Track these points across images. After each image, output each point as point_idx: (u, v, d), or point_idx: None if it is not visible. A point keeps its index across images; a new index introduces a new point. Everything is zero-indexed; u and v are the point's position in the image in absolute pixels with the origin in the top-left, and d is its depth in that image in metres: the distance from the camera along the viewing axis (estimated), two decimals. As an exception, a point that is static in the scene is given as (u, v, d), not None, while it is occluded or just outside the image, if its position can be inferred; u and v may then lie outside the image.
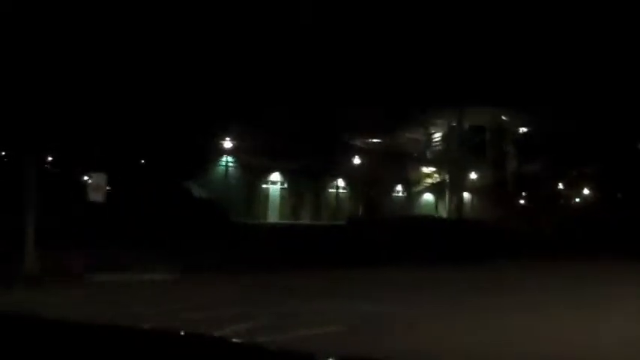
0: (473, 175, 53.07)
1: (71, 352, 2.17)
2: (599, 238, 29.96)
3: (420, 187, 51.84)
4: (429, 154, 51.94)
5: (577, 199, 57.65)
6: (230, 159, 38.17)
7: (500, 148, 52.00)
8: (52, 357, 2.13)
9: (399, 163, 45.57)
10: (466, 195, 54.59)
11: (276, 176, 39.87)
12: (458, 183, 47.74)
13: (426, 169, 51.82)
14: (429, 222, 35.47)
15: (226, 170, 38.47)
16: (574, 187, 54.19)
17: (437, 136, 56.25)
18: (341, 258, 17.66)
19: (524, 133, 56.53)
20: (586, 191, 56.95)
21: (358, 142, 44.57)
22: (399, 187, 47.27)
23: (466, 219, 42.78)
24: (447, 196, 52.50)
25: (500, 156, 51.67)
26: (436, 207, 49.62)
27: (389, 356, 6.46)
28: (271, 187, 39.72)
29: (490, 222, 46.13)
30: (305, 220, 38.30)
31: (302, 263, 16.35)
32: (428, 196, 53.41)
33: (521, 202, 56.03)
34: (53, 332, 2.38)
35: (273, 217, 38.65)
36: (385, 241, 22.68)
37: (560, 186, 52.88)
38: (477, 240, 25.94)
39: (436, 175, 51.98)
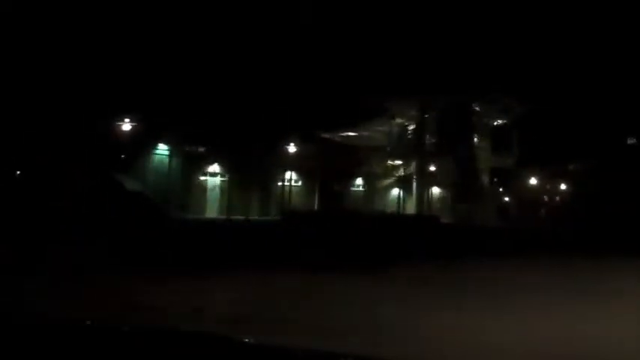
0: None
1: (71, 353, 2.16)
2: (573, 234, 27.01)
3: (386, 181, 48.61)
4: (395, 147, 48.62)
5: (556, 195, 54.74)
6: (166, 147, 34.90)
7: (470, 140, 48.66)
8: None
9: (360, 156, 42.28)
10: (436, 190, 51.64)
11: (215, 167, 36.53)
12: (424, 177, 44.54)
13: (391, 162, 48.53)
14: (377, 218, 32.20)
15: (170, 161, 35.21)
16: (552, 182, 51.00)
17: (410, 128, 53.42)
18: (258, 258, 14.47)
19: (499, 125, 53.29)
20: (564, 187, 54.04)
21: (316, 134, 41.40)
22: (359, 181, 43.96)
23: (425, 215, 39.66)
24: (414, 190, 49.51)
25: (471, 148, 48.34)
26: (403, 202, 46.27)
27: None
28: (210, 179, 36.40)
29: (461, 218, 43.35)
30: (252, 215, 34.99)
31: (209, 265, 13.07)
32: (396, 191, 50.20)
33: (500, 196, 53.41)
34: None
35: (212, 211, 35.35)
36: (321, 238, 20.29)
37: (534, 180, 49.55)
38: (423, 238, 23.05)
39: (401, 169, 48.69)
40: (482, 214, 45.56)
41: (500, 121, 53.16)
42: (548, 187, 53.83)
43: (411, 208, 49.14)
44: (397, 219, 32.08)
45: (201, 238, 21.41)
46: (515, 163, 50.22)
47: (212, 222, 29.08)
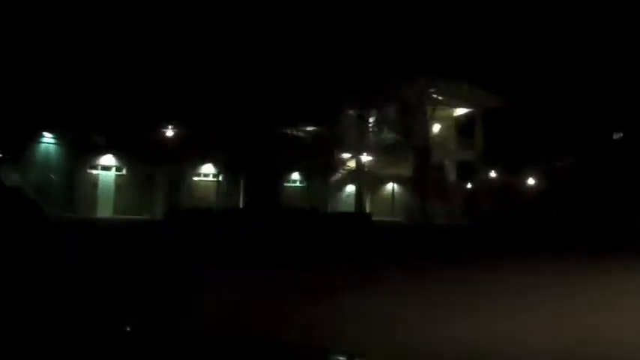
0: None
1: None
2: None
3: (335, 177, 43.42)
4: (346, 139, 43.34)
5: (532, 192, 49.48)
6: (52, 135, 29.68)
7: (426, 131, 43.45)
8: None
9: (303, 149, 37.07)
10: (395, 186, 46.44)
11: (110, 159, 31.20)
12: (363, 171, 39.49)
13: (341, 157, 43.35)
14: (295, 215, 27.12)
15: (56, 152, 30.02)
16: (527, 178, 45.73)
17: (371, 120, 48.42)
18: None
19: (467, 118, 48.13)
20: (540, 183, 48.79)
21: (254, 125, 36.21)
22: (300, 177, 38.75)
23: (355, 213, 34.53)
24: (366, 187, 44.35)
25: (427, 140, 43.12)
26: (360, 199, 40.97)
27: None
28: (103, 173, 31.09)
29: (416, 216, 38.22)
30: (157, 214, 29.59)
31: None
32: (352, 188, 45.06)
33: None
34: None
35: (105, 210, 30.06)
36: (212, 240, 17.05)
37: (493, 174, 44.30)
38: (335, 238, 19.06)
39: (351, 163, 43.51)
40: (445, 212, 40.55)
41: (466, 112, 48.23)
42: (525, 183, 48.53)
43: (367, 206, 44.12)
44: (320, 216, 26.89)
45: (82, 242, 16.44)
46: (481, 157, 45.05)
47: (108, 223, 23.86)
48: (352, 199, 43.96)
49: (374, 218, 41.24)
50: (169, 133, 31.18)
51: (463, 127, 48.73)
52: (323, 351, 2.33)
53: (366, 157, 42.06)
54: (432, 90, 44.10)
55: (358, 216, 30.88)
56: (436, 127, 47.36)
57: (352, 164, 44.08)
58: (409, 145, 43.48)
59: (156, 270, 10.18)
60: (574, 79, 46.14)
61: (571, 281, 9.64)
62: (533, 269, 11.92)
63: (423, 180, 41.09)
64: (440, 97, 45.38)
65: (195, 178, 34.09)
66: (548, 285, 9.30)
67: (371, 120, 45.18)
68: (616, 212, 40.58)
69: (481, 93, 44.68)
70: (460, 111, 48.45)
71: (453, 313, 6.74)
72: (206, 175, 33.95)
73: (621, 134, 51.58)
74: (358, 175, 41.24)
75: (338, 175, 42.99)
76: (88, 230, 21.75)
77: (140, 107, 30.09)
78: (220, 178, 34.37)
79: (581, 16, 45.09)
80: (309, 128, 40.77)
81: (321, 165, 38.99)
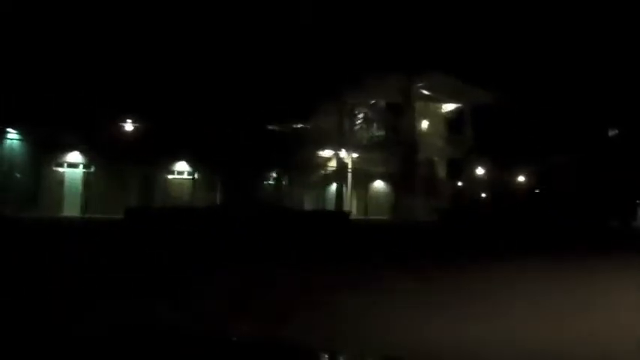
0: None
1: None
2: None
3: (319, 175, 42.24)
4: (330, 136, 42.12)
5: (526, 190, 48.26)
6: (15, 132, 28.50)
7: (412, 127, 42.27)
8: None
9: (277, 146, 35.89)
10: (381, 184, 45.19)
11: (76, 156, 30.01)
12: (344, 168, 38.33)
13: (324, 154, 42.16)
14: (269, 214, 25.91)
15: (20, 148, 28.86)
16: (506, 175, 44.48)
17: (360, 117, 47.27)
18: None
19: (457, 111, 46.90)
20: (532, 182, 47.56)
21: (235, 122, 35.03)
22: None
23: (333, 211, 33.35)
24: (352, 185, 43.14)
25: (412, 135, 41.93)
26: (340, 197, 39.74)
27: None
28: (69, 170, 29.88)
29: (400, 215, 37.07)
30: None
31: None
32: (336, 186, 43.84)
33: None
34: None
35: (72, 209, 28.87)
36: (166, 240, 15.72)
37: (481, 171, 43.12)
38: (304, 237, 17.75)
39: (334, 161, 42.30)
40: (433, 209, 39.31)
41: (456, 108, 47.02)
42: (515, 181, 47.36)
43: (350, 204, 42.94)
44: (292, 215, 25.69)
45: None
46: (470, 154, 43.81)
47: (35, 222, 22.54)
48: (335, 198, 42.84)
49: (359, 217, 40.32)
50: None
51: (454, 123, 47.54)
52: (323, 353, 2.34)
53: (346, 154, 40.90)
54: (420, 85, 42.93)
55: (334, 214, 29.67)
56: (425, 124, 46.22)
57: (335, 163, 42.93)
58: (396, 141, 42.32)
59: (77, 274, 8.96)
60: (567, 75, 45.13)
61: (525, 289, 8.46)
62: (496, 269, 10.76)
63: (410, 177, 39.90)
64: (428, 93, 44.21)
65: (170, 176, 32.92)
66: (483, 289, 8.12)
67: (356, 116, 44.06)
68: (611, 211, 39.49)
69: (471, 88, 43.47)
70: (450, 107, 47.23)
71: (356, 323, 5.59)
72: (181, 173, 32.77)
73: (616, 131, 50.39)
74: (339, 172, 40.02)
75: (321, 173, 41.78)
76: (31, 230, 20.35)
77: (110, 103, 28.96)
78: (196, 175, 33.19)
79: (576, 10, 44.11)
80: (291, 125, 39.64)
81: (301, 162, 37.79)
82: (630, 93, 44.56)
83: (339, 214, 29.24)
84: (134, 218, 22.72)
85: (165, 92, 30.91)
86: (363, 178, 43.35)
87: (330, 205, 40.44)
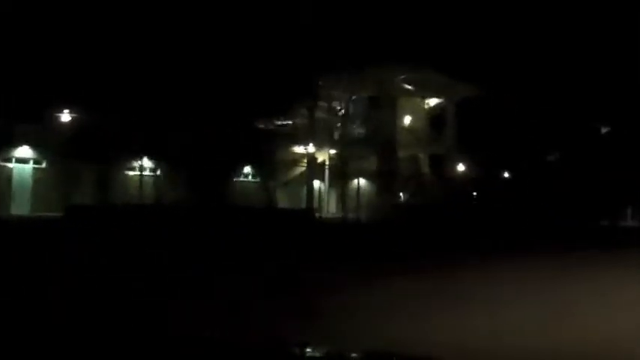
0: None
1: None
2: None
3: (296, 172, 40.55)
4: (308, 133, 40.44)
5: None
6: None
7: (392, 123, 40.59)
8: None
9: (249, 142, 34.21)
10: (362, 182, 43.45)
11: (25, 151, 28.24)
12: (315, 165, 36.73)
13: (298, 150, 40.45)
14: (228, 213, 24.49)
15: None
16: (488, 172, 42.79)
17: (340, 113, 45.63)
18: None
19: (440, 106, 45.26)
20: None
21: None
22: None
23: (298, 210, 31.70)
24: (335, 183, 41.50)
25: (392, 131, 40.27)
26: (311, 195, 38.05)
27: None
28: (18, 166, 28.11)
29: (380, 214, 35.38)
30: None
31: None
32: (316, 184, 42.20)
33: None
34: None
35: (20, 207, 27.10)
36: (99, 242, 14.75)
37: (462, 167, 41.48)
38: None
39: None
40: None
41: (440, 104, 45.36)
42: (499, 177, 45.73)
43: (328, 202, 41.37)
44: (254, 213, 24.11)
45: None
46: (453, 150, 42.12)
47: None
48: (316, 195, 41.21)
49: (338, 215, 38.64)
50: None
51: (439, 119, 45.91)
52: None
53: (324, 150, 39.28)
54: (401, 78, 41.23)
55: (296, 213, 28.01)
56: (408, 119, 44.61)
57: (318, 158, 41.25)
58: (376, 137, 40.68)
59: None
60: (555, 72, 43.65)
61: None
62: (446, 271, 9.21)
63: (389, 173, 38.22)
64: (411, 87, 42.57)
65: (131, 173, 31.19)
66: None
67: (335, 110, 42.42)
68: (601, 210, 38.18)
69: (454, 82, 41.91)
70: (434, 101, 45.59)
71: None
72: (142, 170, 31.05)
73: (607, 129, 48.78)
74: (316, 169, 38.43)
75: (298, 170, 40.07)
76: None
77: (65, 95, 27.26)
78: (158, 172, 31.50)
79: (566, 4, 42.67)
80: (265, 120, 37.96)
81: (275, 159, 36.14)
82: (622, 91, 43.24)
83: (302, 213, 27.57)
84: (73, 216, 21.10)
85: (126, 85, 29.23)
86: (343, 176, 41.67)
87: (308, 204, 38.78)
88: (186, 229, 17.87)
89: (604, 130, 48.55)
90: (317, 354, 2.42)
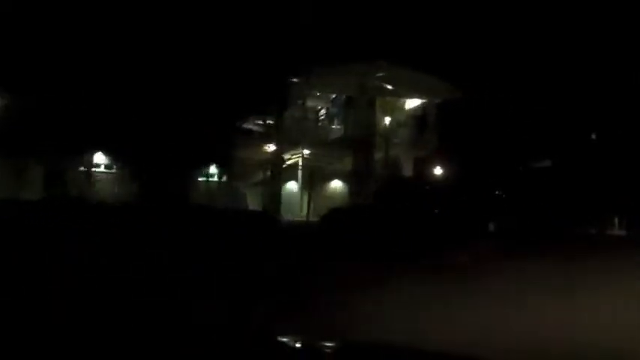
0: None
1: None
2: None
3: (267, 173, 38.65)
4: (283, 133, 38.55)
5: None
6: None
7: (369, 122, 38.80)
8: None
9: (217, 140, 32.36)
10: (339, 184, 41.56)
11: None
12: (280, 165, 34.94)
13: (271, 149, 38.58)
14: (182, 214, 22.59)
15: None
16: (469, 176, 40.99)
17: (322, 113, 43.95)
18: None
19: (422, 107, 43.52)
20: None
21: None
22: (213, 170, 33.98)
23: (251, 211, 29.83)
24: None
25: (368, 131, 38.45)
26: (274, 197, 36.12)
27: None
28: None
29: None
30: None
31: None
32: (294, 185, 40.46)
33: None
34: None
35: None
36: None
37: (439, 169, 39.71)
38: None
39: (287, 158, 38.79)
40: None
41: (422, 105, 43.60)
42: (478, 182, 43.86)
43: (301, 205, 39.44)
44: (205, 215, 22.15)
45: None
46: (431, 153, 40.33)
47: None
48: (292, 198, 39.38)
49: (312, 219, 36.61)
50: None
51: (419, 120, 44.17)
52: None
53: (297, 150, 37.44)
54: (380, 76, 39.34)
55: (257, 216, 26.00)
56: (388, 120, 42.84)
57: (291, 158, 39.37)
58: (352, 137, 38.84)
59: None
60: (541, 75, 42.16)
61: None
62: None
63: (363, 175, 36.33)
64: (389, 86, 40.75)
65: (86, 169, 29.19)
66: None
67: (310, 109, 40.70)
68: (587, 218, 36.59)
69: (436, 82, 40.26)
70: (415, 102, 43.83)
71: None
72: (97, 166, 29.06)
73: (596, 135, 47.11)
74: (278, 171, 36.56)
75: (270, 171, 38.13)
76: None
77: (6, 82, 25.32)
78: (114, 169, 29.53)
79: (554, 5, 41.28)
80: (235, 119, 36.06)
81: (244, 158, 34.27)
82: (612, 96, 41.87)
83: (259, 216, 25.59)
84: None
85: (81, 74, 27.32)
86: (314, 177, 39.71)
87: (283, 206, 36.90)
88: (111, 229, 15.97)
89: (593, 136, 47.00)
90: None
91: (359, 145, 37.40)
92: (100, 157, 29.08)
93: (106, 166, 29.61)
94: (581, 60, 40.76)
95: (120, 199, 26.39)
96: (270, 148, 37.07)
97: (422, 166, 41.59)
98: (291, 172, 39.63)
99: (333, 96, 43.06)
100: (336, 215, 20.82)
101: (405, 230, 17.65)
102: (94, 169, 28.79)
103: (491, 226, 22.57)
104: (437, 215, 21.97)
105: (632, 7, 35.55)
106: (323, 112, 44.31)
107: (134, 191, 28.79)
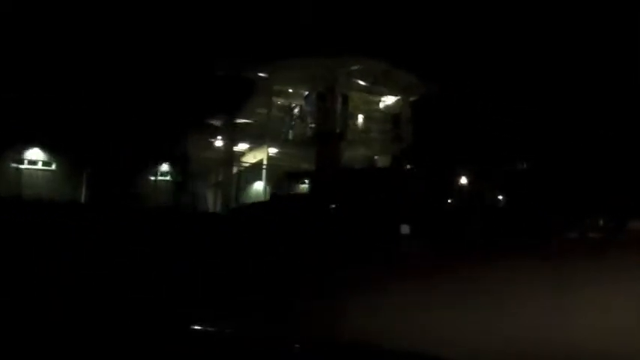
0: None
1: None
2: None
3: (229, 172, 36.36)
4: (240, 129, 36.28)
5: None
6: None
7: (335, 118, 36.61)
8: None
9: (173, 136, 30.00)
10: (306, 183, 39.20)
11: None
12: (233, 163, 32.73)
13: (238, 148, 36.36)
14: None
15: None
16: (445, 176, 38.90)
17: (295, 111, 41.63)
18: None
19: (398, 104, 41.42)
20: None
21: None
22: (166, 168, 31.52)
23: (202, 212, 27.59)
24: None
25: (333, 130, 36.26)
26: (227, 197, 33.81)
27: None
28: None
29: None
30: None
31: None
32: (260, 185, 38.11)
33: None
34: None
35: None
36: None
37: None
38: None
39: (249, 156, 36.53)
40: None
41: (397, 102, 41.45)
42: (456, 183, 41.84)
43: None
44: (151, 216, 19.91)
45: None
46: (405, 152, 38.10)
47: None
48: (258, 198, 37.01)
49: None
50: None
51: (395, 118, 42.04)
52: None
53: (261, 148, 35.18)
54: (352, 70, 37.11)
55: (206, 216, 23.74)
56: (361, 117, 40.75)
57: (255, 157, 37.02)
58: (321, 135, 36.58)
59: None
60: (522, 74, 40.76)
61: None
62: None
63: (326, 175, 34.06)
64: (362, 82, 38.54)
65: (20, 166, 26.61)
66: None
67: (282, 107, 38.47)
68: (569, 222, 34.58)
69: (410, 78, 38.27)
70: (391, 100, 41.69)
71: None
72: (33, 163, 26.51)
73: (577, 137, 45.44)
74: (252, 170, 34.38)
75: (233, 169, 35.81)
76: None
77: None
78: (54, 166, 26.98)
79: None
80: (194, 116, 33.66)
81: (202, 156, 31.91)
82: (597, 96, 40.67)
83: (208, 216, 23.31)
84: None
85: (17, 64, 24.90)
86: (286, 177, 37.39)
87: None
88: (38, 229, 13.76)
89: (574, 138, 45.26)
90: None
91: (325, 142, 35.14)
92: (36, 153, 26.57)
93: (44, 163, 27.04)
94: (561, 60, 39.60)
95: (54, 198, 23.85)
96: (237, 147, 34.92)
97: (395, 163, 39.54)
98: (257, 172, 37.41)
99: (306, 93, 40.86)
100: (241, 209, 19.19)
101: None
102: (27, 166, 26.28)
103: (405, 229, 19.93)
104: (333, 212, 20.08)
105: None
106: (297, 110, 42.10)
107: (73, 190, 26.30)
